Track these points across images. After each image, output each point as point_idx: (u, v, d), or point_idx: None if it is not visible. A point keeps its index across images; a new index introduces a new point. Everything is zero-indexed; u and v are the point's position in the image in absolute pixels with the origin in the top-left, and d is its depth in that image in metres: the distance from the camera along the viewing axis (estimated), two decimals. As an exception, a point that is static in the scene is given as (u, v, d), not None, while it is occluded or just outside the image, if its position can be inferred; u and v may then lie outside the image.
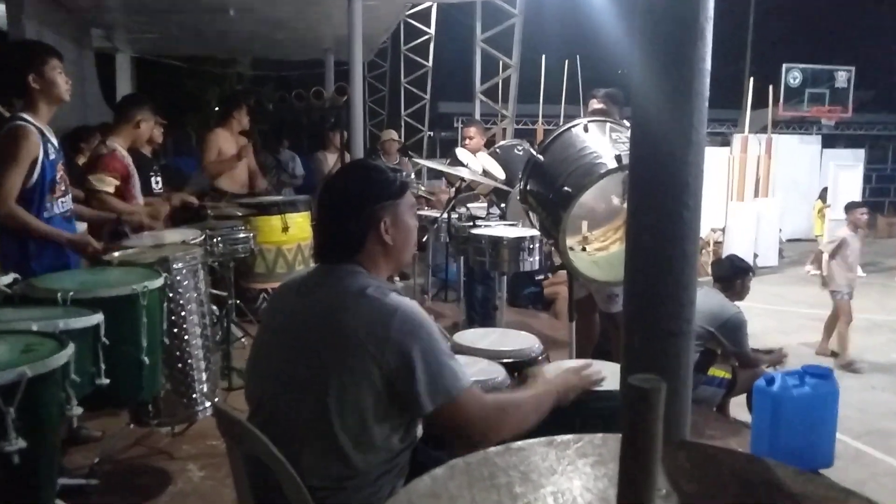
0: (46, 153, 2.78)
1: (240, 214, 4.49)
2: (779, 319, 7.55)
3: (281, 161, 7.24)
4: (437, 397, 1.46)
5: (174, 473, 2.94)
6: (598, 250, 2.86)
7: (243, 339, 4.44)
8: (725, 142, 13.00)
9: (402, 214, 1.64)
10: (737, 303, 4.22)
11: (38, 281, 2.38)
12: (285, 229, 5.08)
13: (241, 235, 3.98)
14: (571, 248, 2.70)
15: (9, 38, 5.46)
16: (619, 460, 0.54)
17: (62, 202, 2.91)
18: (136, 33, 8.37)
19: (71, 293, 2.20)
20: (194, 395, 2.99)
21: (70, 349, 1.72)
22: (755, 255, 9.91)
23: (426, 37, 13.92)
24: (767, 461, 0.76)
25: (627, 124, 2.80)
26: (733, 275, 4.31)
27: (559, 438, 0.86)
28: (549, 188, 2.64)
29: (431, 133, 15.40)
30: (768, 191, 11.10)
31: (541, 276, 6.03)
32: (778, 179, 11.70)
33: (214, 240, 3.77)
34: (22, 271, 2.59)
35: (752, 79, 11.34)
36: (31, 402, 1.54)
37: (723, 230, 10.23)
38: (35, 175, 2.73)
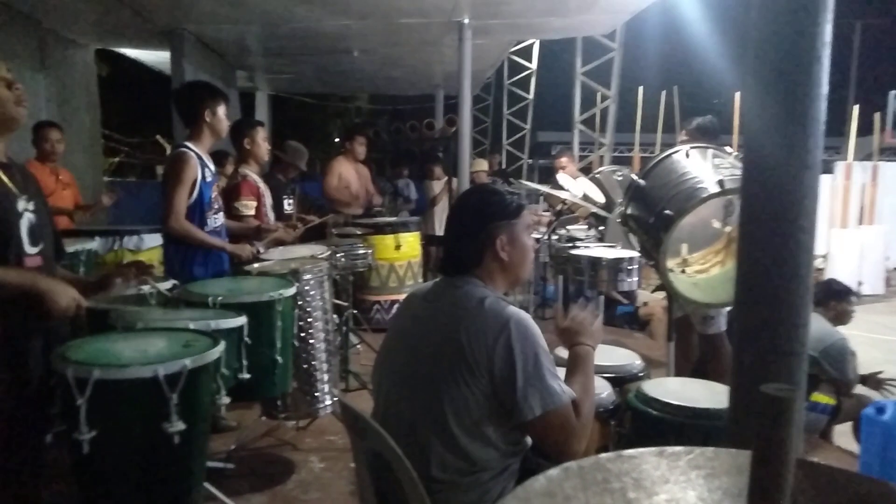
0: (204, 176, 3.01)
1: (359, 233, 4.65)
2: (886, 349, 6.85)
3: (397, 187, 7.48)
4: (532, 408, 1.45)
5: (298, 464, 3.04)
6: (698, 272, 2.74)
7: (358, 346, 4.56)
8: (827, 169, 12.11)
9: (518, 233, 1.65)
10: (840, 329, 3.90)
11: (192, 287, 2.57)
12: (398, 247, 5.23)
13: (361, 252, 4.11)
14: (671, 270, 2.61)
15: (172, 80, 5.94)
16: (751, 472, 0.50)
17: (216, 218, 3.14)
18: (273, 74, 8.93)
19: (220, 298, 2.35)
20: (317, 394, 3.09)
21: (222, 346, 1.83)
22: (859, 283, 9.11)
23: (528, 71, 13.96)
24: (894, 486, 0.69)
25: (729, 150, 2.69)
26: (828, 296, 3.98)
27: (669, 449, 0.83)
28: (650, 212, 2.57)
29: (531, 160, 15.34)
30: (873, 218, 10.21)
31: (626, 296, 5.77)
32: (885, 207, 10.73)
33: (337, 255, 3.90)
34: (183, 277, 2.81)
35: (856, 105, 10.53)
36: (190, 390, 1.65)
37: (824, 257, 9.51)
38: (195, 194, 2.97)
